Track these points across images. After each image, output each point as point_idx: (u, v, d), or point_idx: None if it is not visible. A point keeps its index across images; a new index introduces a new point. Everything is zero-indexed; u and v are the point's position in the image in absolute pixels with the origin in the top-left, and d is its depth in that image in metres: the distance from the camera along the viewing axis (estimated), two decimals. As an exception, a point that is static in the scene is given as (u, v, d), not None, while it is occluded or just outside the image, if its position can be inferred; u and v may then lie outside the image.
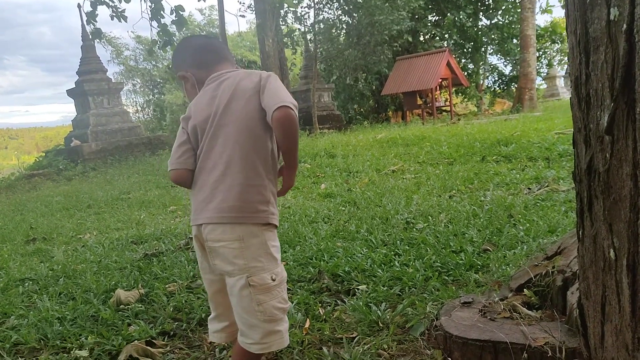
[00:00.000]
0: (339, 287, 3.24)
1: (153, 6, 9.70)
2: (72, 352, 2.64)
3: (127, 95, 30.68)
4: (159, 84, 30.82)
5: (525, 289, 2.54)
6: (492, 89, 26.65)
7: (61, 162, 13.95)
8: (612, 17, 1.12)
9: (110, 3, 9.86)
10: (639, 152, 1.07)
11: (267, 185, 1.81)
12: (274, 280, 1.78)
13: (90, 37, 10.66)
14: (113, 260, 4.46)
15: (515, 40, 23.22)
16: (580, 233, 1.35)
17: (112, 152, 14.33)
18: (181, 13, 9.62)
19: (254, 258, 1.77)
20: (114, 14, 9.98)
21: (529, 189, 5.51)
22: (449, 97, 20.56)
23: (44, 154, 15.71)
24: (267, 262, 1.79)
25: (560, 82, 32.18)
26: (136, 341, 2.58)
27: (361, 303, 2.80)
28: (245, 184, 1.77)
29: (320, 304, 3.00)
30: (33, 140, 66.36)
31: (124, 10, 10.13)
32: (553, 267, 2.45)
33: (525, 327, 2.15)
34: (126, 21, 9.86)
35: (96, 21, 10.05)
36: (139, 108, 31.26)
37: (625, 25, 1.08)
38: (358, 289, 3.14)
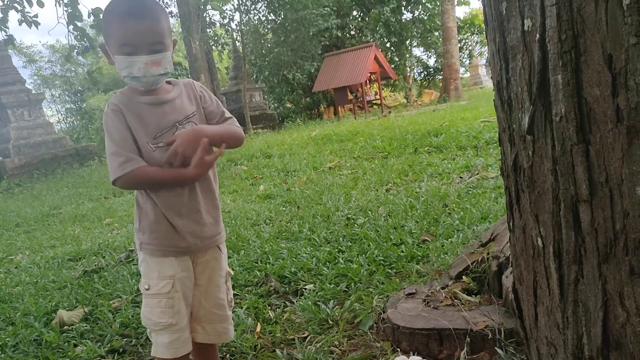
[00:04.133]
0: (287, 289, 3.29)
1: (70, 10, 9.32)
2: (17, 380, 2.56)
3: (46, 105, 29.45)
4: (78, 91, 29.71)
5: (463, 276, 2.68)
6: (419, 80, 27.40)
7: (-18, 180, 13.24)
8: (526, 28, 1.23)
9: (18, 7, 9.36)
10: (557, 150, 1.18)
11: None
12: (147, 289, 1.87)
13: (4, 44, 10.12)
14: (50, 280, 4.31)
15: (437, 33, 23.94)
16: (511, 224, 1.46)
17: (38, 166, 13.73)
18: (100, 16, 9.30)
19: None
20: (23, 19, 9.48)
21: (461, 177, 5.75)
22: (378, 91, 20.97)
23: (-38, 172, 14.84)
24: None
25: (483, 71, 33.49)
26: (84, 362, 2.54)
27: (310, 302, 2.87)
28: None
29: (269, 307, 3.04)
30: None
31: (36, 16, 9.66)
32: (488, 254, 2.60)
33: (467, 313, 2.28)
34: (37, 27, 9.40)
35: (7, 27, 9.53)
36: (61, 118, 30.05)
37: (538, 35, 1.19)
38: (305, 289, 3.20)
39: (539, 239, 1.29)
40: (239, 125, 2.03)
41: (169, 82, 1.93)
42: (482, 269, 2.58)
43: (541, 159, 1.24)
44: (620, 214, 1.08)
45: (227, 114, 2.01)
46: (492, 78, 1.50)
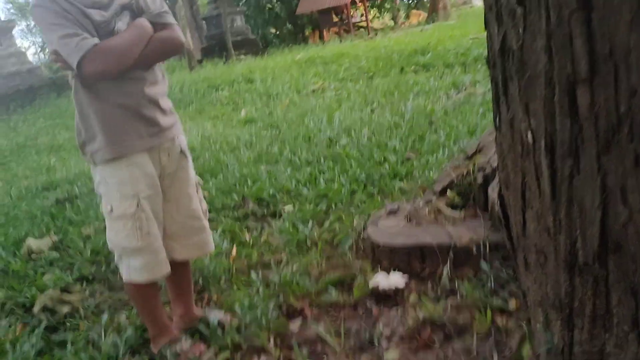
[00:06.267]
0: (265, 211, 3.15)
1: None
2: (-20, 311, 2.44)
3: (22, 36, 28.36)
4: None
5: (448, 190, 2.53)
6: (406, 1, 26.44)
7: (-44, 112, 12.79)
8: None
9: None
10: (552, 21, 0.98)
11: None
12: (110, 211, 1.72)
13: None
14: (22, 209, 4.15)
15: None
16: (497, 120, 1.28)
17: (13, 98, 13.22)
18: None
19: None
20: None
21: (448, 95, 5.54)
22: (364, 13, 20.23)
23: None
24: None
25: (472, -10, 32.34)
26: (51, 290, 2.41)
27: (287, 224, 2.73)
28: None
29: (246, 230, 2.91)
30: None
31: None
32: (473, 166, 2.44)
33: (451, 228, 2.15)
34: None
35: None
36: (38, 49, 29.01)
37: None
38: (284, 211, 3.06)
39: (529, 133, 1.11)
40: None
41: None
42: (467, 182, 2.42)
43: (533, 35, 1.05)
44: (626, 93, 0.90)
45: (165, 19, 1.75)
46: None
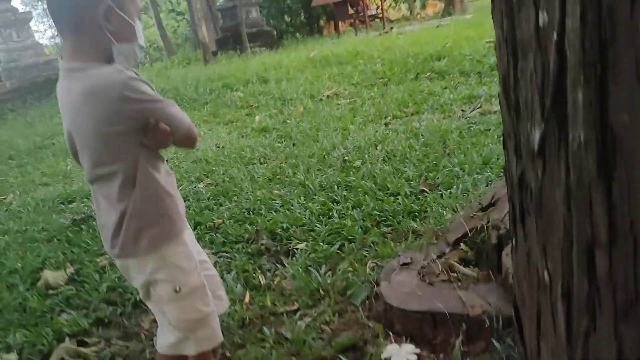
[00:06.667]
0: (278, 247, 3.17)
1: None
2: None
3: (38, 19, 28.37)
4: None
5: (462, 243, 2.53)
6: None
7: (-25, 105, 12.92)
8: (540, 23, 0.99)
9: None
10: (572, 179, 0.97)
11: None
12: (178, 291, 1.65)
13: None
14: (40, 228, 4.22)
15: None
16: (514, 241, 1.28)
17: (30, 90, 13.33)
18: None
19: None
20: None
21: (463, 111, 5.49)
22: (380, 5, 20.04)
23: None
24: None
25: (490, -22, 31.86)
26: (67, 339, 2.45)
27: (300, 270, 2.74)
28: None
29: (259, 270, 2.93)
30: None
31: None
32: (487, 221, 2.43)
33: (463, 293, 2.14)
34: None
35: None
36: (54, 32, 29.06)
37: (555, 36, 0.95)
38: (297, 249, 3.08)
39: (546, 273, 1.11)
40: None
41: None
42: (481, 239, 2.42)
43: (552, 183, 1.04)
44: (646, 269, 0.90)
45: None
46: (497, 68, 1.26)
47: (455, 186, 3.49)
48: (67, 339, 2.47)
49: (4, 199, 5.59)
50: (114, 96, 1.46)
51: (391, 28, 16.83)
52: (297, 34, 19.54)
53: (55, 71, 14.08)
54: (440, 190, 3.49)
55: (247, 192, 4.16)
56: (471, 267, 2.38)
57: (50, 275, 3.15)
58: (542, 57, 0.99)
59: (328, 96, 7.54)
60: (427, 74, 7.58)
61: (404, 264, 2.47)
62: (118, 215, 1.60)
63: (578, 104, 0.92)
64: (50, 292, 3.03)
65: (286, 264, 2.93)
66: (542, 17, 0.97)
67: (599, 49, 0.88)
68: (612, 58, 0.87)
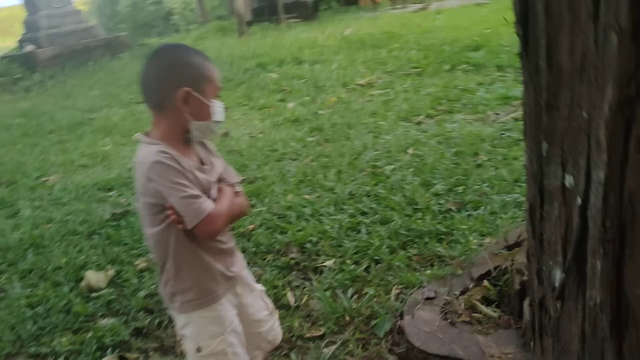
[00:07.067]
0: (307, 262, 3.30)
1: None
2: (48, 361, 2.71)
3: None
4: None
5: (485, 280, 2.62)
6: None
7: (17, 70, 13.22)
8: (567, 184, 1.06)
9: None
10: (587, 329, 1.06)
11: None
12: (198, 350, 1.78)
13: None
14: (80, 220, 4.42)
15: None
16: (531, 344, 1.37)
17: (69, 57, 13.53)
18: None
19: None
20: None
21: (497, 114, 5.48)
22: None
23: (-1, 59, 14.84)
24: None
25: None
26: (109, 352, 2.65)
27: (328, 294, 2.87)
28: None
29: (289, 287, 3.07)
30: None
31: None
32: (512, 263, 2.51)
33: (483, 338, 2.25)
34: None
35: None
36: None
37: (579, 201, 1.02)
38: (325, 266, 3.21)
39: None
40: None
41: None
42: (504, 280, 2.50)
43: (569, 319, 1.12)
44: None
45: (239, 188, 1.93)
46: (526, 187, 1.33)
47: (482, 207, 3.54)
48: (108, 350, 2.66)
49: (47, 180, 5.81)
50: (143, 174, 1.66)
51: (429, 3, 16.47)
52: (333, 3, 19.31)
53: (94, 38, 14.31)
54: (467, 210, 3.56)
55: (278, 195, 4.29)
56: (493, 306, 2.48)
57: (92, 277, 3.35)
58: (567, 213, 1.07)
59: (361, 85, 7.55)
60: (463, 66, 7.51)
61: (428, 298, 2.59)
62: (160, 271, 1.81)
63: (596, 271, 1.00)
64: (93, 294, 3.23)
65: (314, 282, 3.06)
66: (569, 180, 1.04)
67: (618, 229, 0.95)
68: (630, 238, 0.94)
